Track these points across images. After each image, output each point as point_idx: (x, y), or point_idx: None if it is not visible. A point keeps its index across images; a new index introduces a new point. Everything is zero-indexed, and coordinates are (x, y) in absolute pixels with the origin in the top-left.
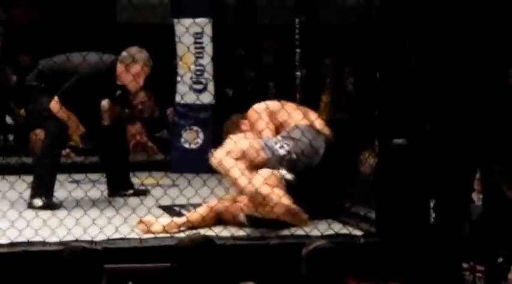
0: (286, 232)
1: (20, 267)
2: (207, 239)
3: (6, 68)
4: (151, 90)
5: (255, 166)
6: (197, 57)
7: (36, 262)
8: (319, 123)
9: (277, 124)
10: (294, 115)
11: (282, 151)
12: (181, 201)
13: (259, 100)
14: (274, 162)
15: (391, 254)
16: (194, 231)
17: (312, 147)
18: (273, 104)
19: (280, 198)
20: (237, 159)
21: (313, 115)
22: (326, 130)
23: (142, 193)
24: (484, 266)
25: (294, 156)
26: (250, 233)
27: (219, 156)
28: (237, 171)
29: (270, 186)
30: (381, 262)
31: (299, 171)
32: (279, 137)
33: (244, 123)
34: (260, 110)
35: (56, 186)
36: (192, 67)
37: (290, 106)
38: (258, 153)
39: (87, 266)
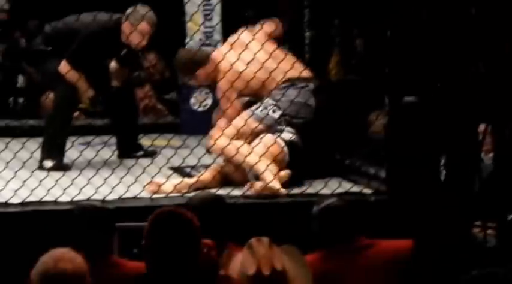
0: (296, 190)
1: (32, 226)
2: (217, 197)
3: (15, 31)
4: (161, 51)
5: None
6: (206, 19)
7: (48, 221)
8: (300, 69)
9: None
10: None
11: (276, 115)
12: (192, 161)
13: None
14: (272, 127)
15: (401, 212)
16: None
17: (304, 104)
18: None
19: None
20: (233, 138)
21: (290, 61)
22: (306, 74)
23: (152, 154)
24: (494, 223)
25: (288, 117)
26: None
27: (216, 140)
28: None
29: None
30: (391, 220)
31: (298, 129)
32: (268, 101)
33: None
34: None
35: (67, 148)
36: (201, 28)
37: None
38: (252, 126)
39: (98, 224)
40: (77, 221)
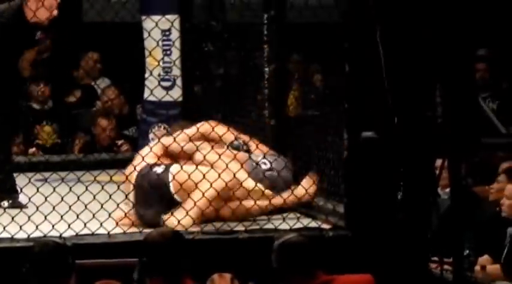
0: (255, 226)
1: None
2: (175, 232)
3: None
4: (120, 86)
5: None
6: (165, 54)
7: (4, 258)
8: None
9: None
10: None
11: (264, 167)
12: None
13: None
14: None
15: (359, 247)
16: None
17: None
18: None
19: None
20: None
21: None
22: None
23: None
24: (451, 258)
25: (275, 173)
26: (218, 227)
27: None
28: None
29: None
30: (350, 256)
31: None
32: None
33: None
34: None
35: (24, 184)
36: (160, 64)
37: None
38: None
39: (58, 261)
40: (36, 258)
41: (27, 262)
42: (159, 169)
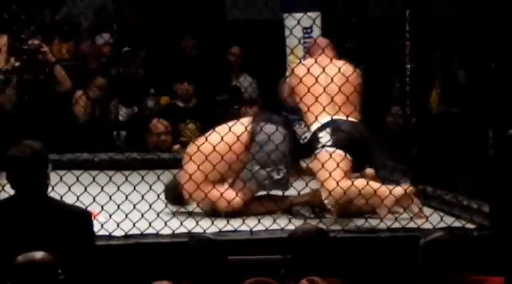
0: (397, 225)
1: (134, 259)
2: (320, 230)
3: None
4: (260, 84)
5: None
6: (306, 52)
7: (150, 253)
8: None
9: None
10: None
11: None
12: None
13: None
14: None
15: (505, 248)
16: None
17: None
18: None
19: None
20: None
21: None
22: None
23: None
24: None
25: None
26: (360, 226)
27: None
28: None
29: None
30: (494, 256)
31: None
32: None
33: None
34: None
35: None
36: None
37: None
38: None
39: (213, 257)
40: (192, 254)
41: (182, 257)
42: None
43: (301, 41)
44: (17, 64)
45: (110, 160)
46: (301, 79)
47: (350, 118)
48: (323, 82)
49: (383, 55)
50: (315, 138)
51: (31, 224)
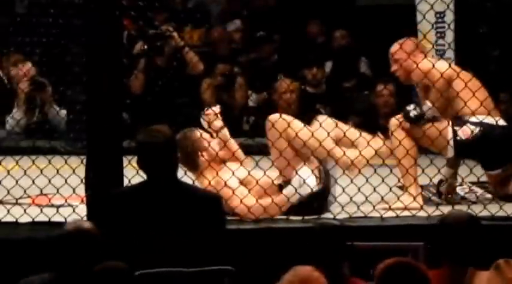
0: None
1: (264, 243)
2: (473, 217)
3: None
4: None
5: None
6: (439, 37)
7: (280, 238)
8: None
9: None
10: None
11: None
12: None
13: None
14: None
15: None
16: None
17: None
18: None
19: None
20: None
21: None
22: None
23: None
24: None
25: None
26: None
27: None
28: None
29: None
30: None
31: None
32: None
33: None
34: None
35: None
36: (434, 47)
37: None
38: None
39: (336, 243)
40: (318, 239)
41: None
42: None
43: (434, 26)
44: (142, 48)
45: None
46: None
47: (500, 122)
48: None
49: None
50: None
51: (165, 209)
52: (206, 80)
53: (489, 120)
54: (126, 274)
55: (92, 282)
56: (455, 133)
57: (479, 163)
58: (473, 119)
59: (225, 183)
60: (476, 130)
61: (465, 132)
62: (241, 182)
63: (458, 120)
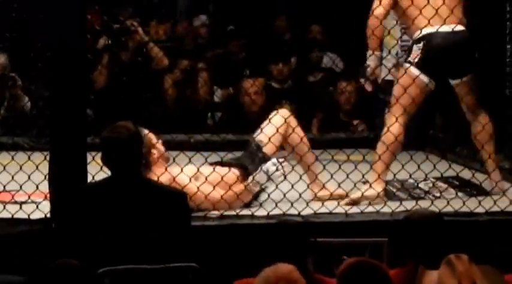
0: (495, 208)
1: (228, 240)
2: (437, 214)
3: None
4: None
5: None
6: (404, 33)
7: (244, 235)
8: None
9: None
10: None
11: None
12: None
13: None
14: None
15: None
16: None
17: None
18: None
19: None
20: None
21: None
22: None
23: None
24: None
25: None
26: (457, 209)
27: None
28: None
29: None
30: None
31: None
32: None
33: None
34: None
35: None
36: (399, 42)
37: None
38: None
39: (298, 239)
40: (281, 236)
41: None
42: None
43: (398, 23)
44: (106, 43)
45: (205, 142)
46: None
47: (457, 28)
48: None
49: None
50: (409, 51)
51: (129, 205)
52: (169, 75)
53: (429, 29)
54: (79, 271)
55: (44, 280)
56: (409, 62)
57: (446, 75)
58: (416, 35)
59: (174, 178)
60: (421, 45)
61: (414, 54)
62: (190, 178)
63: (408, 51)
